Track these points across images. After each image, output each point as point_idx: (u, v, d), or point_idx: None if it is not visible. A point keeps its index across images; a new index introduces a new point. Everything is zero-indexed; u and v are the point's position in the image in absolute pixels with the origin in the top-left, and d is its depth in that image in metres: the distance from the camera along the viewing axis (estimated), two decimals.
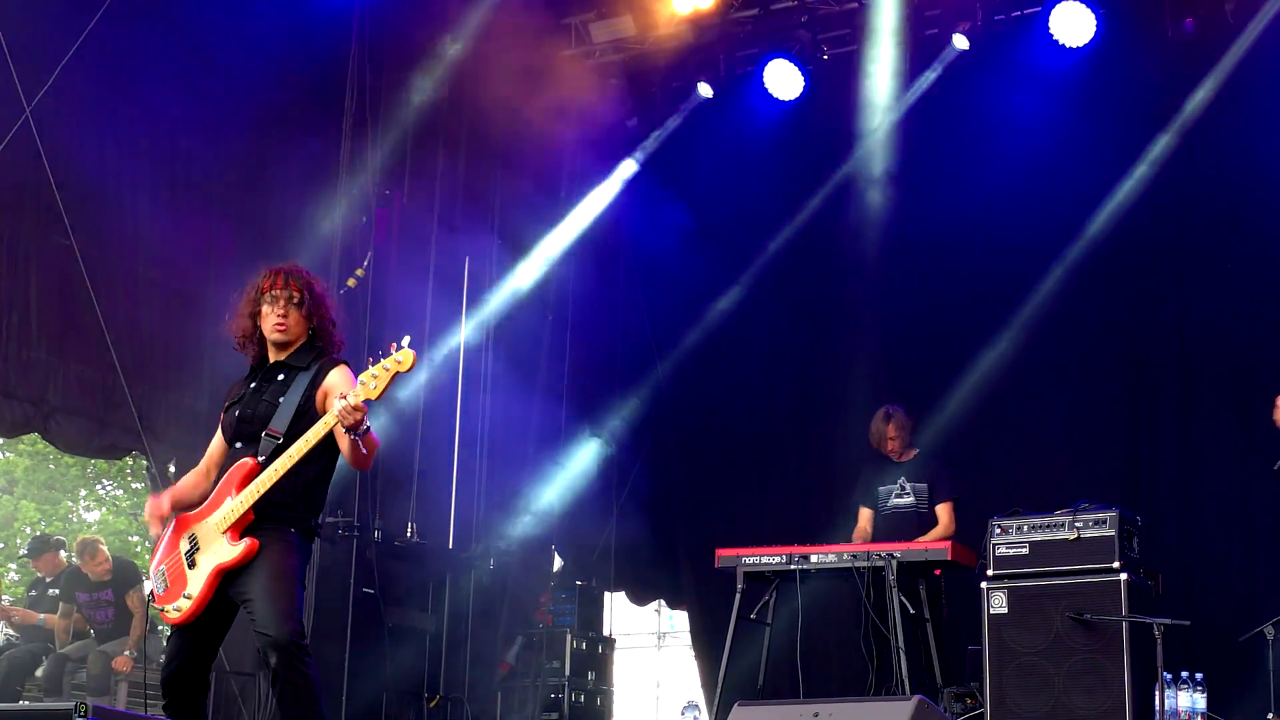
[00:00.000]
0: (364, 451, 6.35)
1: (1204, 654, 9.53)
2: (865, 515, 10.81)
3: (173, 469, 11.43)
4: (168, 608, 6.42)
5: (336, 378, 6.49)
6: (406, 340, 6.25)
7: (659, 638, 23.70)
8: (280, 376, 6.58)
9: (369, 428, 6.27)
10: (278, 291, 6.55)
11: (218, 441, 6.73)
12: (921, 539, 10.20)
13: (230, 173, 11.77)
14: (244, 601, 6.31)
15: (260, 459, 6.35)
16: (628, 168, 13.82)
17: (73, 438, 11.57)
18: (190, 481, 6.71)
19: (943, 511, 10.57)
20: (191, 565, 6.39)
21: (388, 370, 6.20)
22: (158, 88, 11.02)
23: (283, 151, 11.94)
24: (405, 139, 12.80)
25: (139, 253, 11.43)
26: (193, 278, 11.68)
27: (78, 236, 10.47)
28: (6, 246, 10.72)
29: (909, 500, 10.65)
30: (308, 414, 6.40)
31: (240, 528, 6.31)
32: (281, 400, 6.50)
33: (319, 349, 6.66)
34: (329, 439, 6.38)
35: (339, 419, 6.17)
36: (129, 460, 26.14)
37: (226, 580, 6.34)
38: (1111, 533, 8.83)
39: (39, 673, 11.86)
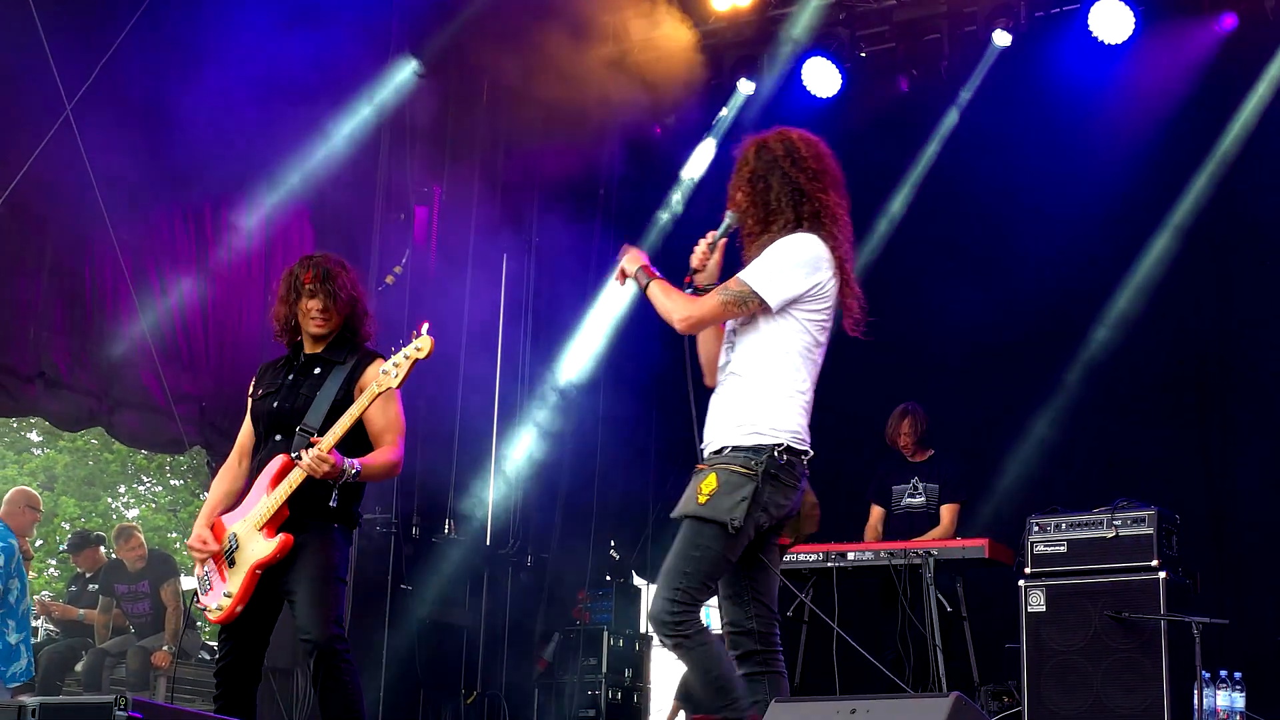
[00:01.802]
0: (379, 474, 6.48)
1: (1243, 652, 9.48)
2: (876, 513, 10.82)
3: None
4: (210, 607, 6.49)
5: (375, 373, 6.53)
6: (425, 327, 6.31)
7: None
8: (317, 370, 6.62)
9: (356, 471, 6.32)
10: (316, 286, 6.59)
11: (247, 429, 6.78)
12: (926, 536, 10.24)
13: (271, 170, 11.80)
14: (289, 599, 6.37)
15: (294, 455, 6.39)
16: (665, 163, 13.81)
17: (136, 432, 11.68)
18: (224, 482, 6.77)
19: (946, 512, 10.55)
20: (231, 564, 6.44)
21: (408, 359, 6.27)
22: (197, 85, 11.06)
23: (322, 148, 11.97)
24: (444, 136, 12.84)
25: (189, 250, 11.49)
26: (245, 273, 11.75)
27: (121, 234, 10.54)
28: (65, 244, 10.82)
29: (920, 500, 10.66)
30: (344, 409, 6.43)
31: (276, 524, 6.35)
32: (318, 394, 6.54)
33: (353, 341, 6.70)
34: (358, 433, 6.42)
35: (309, 472, 6.23)
36: (168, 457, 26.30)
37: (272, 575, 6.39)
38: (1150, 531, 8.78)
39: (78, 668, 11.95)
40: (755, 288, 5.54)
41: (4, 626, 10.44)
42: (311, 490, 6.34)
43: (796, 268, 5.55)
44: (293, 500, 6.36)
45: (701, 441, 5.69)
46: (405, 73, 12.47)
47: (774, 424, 5.49)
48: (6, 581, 10.48)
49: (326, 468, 6.22)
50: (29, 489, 11.98)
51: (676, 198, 13.78)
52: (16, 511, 11.15)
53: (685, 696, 4.48)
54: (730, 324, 5.70)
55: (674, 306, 5.65)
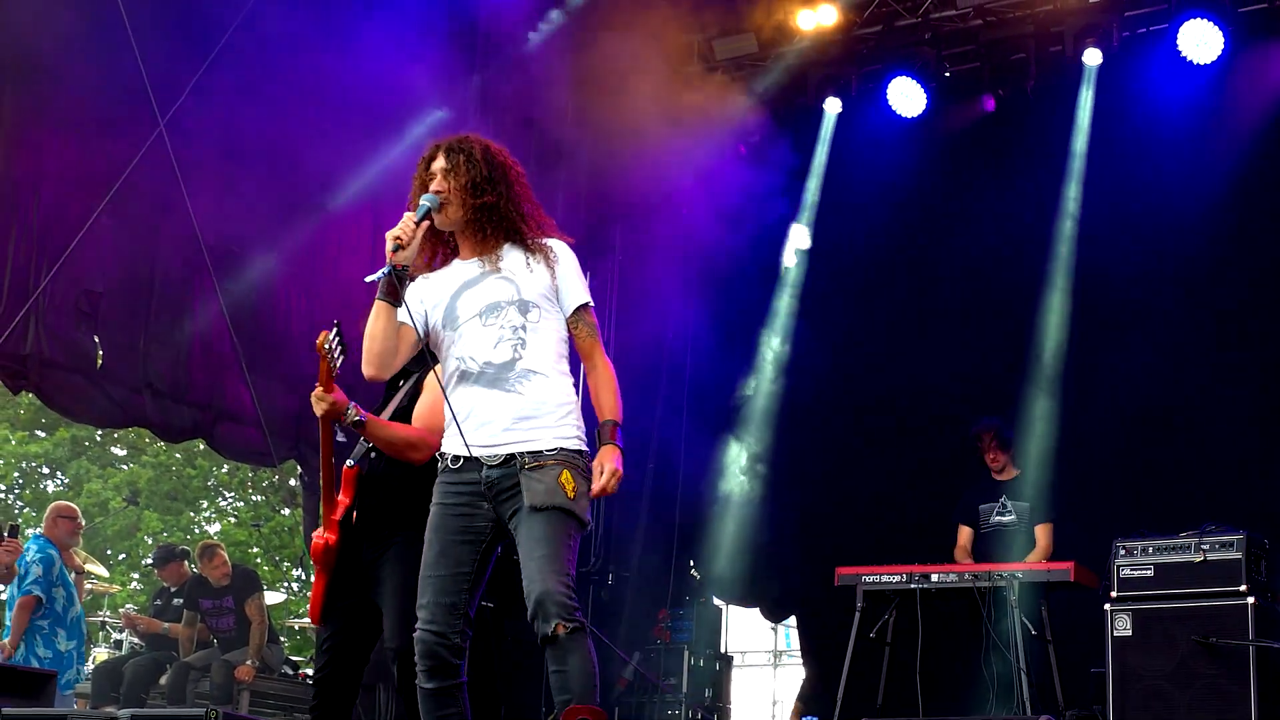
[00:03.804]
0: (388, 443, 6.34)
1: None
2: (965, 533, 10.75)
3: None
4: None
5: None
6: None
7: (775, 656, 23.70)
8: (400, 381, 6.63)
9: (359, 419, 6.20)
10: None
11: None
12: (1026, 560, 10.16)
13: (368, 185, 11.90)
14: (383, 609, 6.40)
15: (350, 462, 6.45)
16: (751, 183, 13.80)
17: (236, 445, 11.80)
18: None
19: (1041, 533, 10.49)
20: None
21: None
22: (295, 105, 11.13)
23: (405, 165, 12.03)
24: (528, 154, 12.89)
25: (290, 264, 11.60)
26: (341, 289, 11.84)
27: (221, 249, 10.67)
28: (168, 258, 10.96)
29: (1011, 519, 10.60)
30: (407, 412, 6.44)
31: (334, 520, 6.40)
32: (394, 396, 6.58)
33: None
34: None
35: (319, 414, 6.18)
36: (249, 472, 26.51)
37: (366, 587, 6.42)
38: (1239, 555, 8.69)
39: (163, 681, 12.03)
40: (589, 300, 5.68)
41: (53, 634, 10.57)
42: (403, 497, 6.35)
43: (581, 275, 5.67)
44: (380, 510, 6.41)
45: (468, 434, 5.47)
46: (490, 90, 12.55)
47: (581, 428, 5.51)
48: (50, 591, 10.65)
49: (325, 405, 6.12)
50: (63, 502, 12.13)
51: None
52: (51, 523, 11.34)
53: (561, 688, 4.44)
54: (516, 319, 5.51)
55: (608, 381, 5.72)
